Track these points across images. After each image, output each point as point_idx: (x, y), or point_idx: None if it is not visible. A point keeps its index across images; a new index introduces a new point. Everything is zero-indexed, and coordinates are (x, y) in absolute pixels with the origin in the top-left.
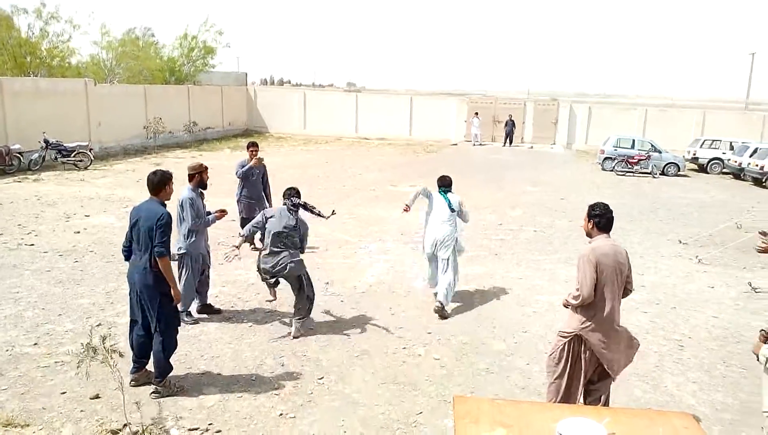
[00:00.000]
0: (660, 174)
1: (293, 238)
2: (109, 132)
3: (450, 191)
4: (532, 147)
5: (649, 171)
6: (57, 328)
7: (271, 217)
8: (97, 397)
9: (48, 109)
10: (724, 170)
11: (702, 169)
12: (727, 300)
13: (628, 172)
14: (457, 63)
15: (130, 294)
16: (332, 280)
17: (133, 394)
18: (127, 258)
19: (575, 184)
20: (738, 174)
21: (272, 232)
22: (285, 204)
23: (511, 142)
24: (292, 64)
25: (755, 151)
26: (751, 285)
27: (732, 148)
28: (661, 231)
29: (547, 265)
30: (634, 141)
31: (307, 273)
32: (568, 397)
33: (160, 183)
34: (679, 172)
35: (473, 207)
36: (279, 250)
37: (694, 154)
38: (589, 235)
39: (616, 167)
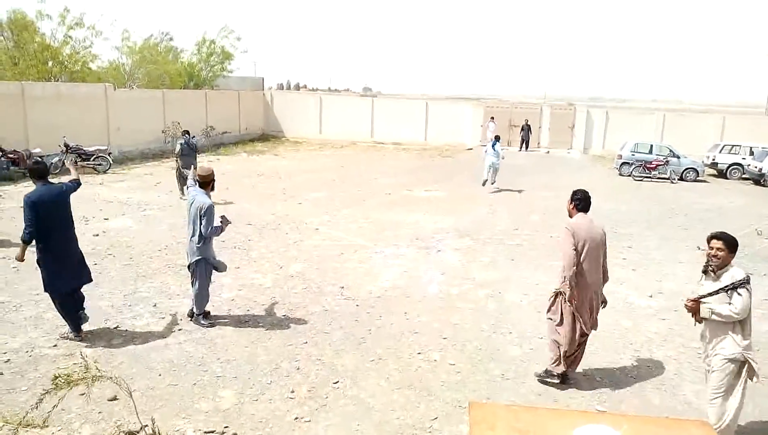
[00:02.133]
0: (678, 179)
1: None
2: (127, 136)
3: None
4: (548, 152)
5: (667, 176)
6: None
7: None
8: (114, 398)
9: (68, 113)
10: (744, 176)
11: (721, 174)
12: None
13: (645, 177)
14: (473, 67)
15: None
16: (347, 284)
17: (148, 397)
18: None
19: (592, 189)
20: (758, 180)
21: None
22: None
23: (527, 147)
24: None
25: None
26: None
27: (752, 153)
28: (680, 237)
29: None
30: (652, 146)
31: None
32: (571, 341)
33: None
34: (697, 178)
35: (488, 212)
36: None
37: (713, 160)
38: (570, 215)
39: (633, 172)
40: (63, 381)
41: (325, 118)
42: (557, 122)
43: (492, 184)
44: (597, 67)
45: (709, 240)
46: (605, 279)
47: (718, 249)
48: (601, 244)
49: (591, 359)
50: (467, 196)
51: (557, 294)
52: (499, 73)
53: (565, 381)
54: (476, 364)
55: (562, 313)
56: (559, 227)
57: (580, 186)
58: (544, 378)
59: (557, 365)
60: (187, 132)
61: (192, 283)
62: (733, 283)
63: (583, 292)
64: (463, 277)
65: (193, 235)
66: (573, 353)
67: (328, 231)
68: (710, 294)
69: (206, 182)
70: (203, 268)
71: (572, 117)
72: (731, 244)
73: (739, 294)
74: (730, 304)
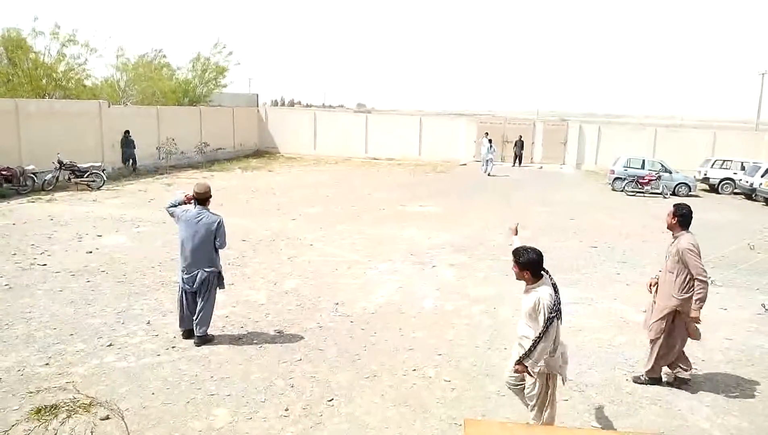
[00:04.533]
0: (671, 194)
1: None
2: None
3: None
4: (541, 167)
5: (659, 191)
6: (68, 348)
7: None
8: (107, 418)
9: (62, 130)
10: (736, 190)
11: (713, 189)
12: (740, 322)
13: (638, 192)
14: (466, 83)
15: None
16: (342, 300)
17: (141, 417)
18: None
19: (585, 204)
20: (750, 194)
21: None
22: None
23: (520, 162)
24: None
25: (767, 171)
26: (764, 307)
27: (743, 168)
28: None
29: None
30: (644, 161)
31: None
32: (668, 355)
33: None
34: (690, 193)
35: (482, 228)
36: None
37: (705, 175)
38: (671, 228)
39: (626, 187)
40: (48, 413)
41: (319, 135)
42: (550, 138)
43: (489, 174)
44: (590, 83)
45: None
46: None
47: (516, 273)
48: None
49: (586, 376)
50: (462, 212)
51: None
52: (492, 89)
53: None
54: (471, 380)
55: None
56: (552, 242)
57: (574, 201)
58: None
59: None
60: (128, 131)
61: (200, 300)
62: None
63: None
64: (458, 293)
65: (199, 252)
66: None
67: (322, 247)
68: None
69: (205, 199)
70: (216, 282)
71: (565, 132)
72: (524, 265)
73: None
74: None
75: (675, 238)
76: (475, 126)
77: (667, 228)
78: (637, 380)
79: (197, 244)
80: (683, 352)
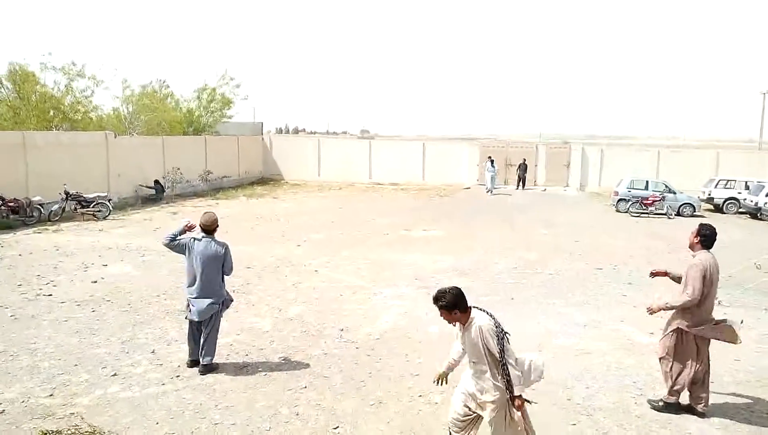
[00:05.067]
0: (675, 215)
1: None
2: (127, 182)
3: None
4: (545, 189)
5: (664, 212)
6: (73, 379)
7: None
8: None
9: (69, 161)
10: (741, 210)
11: (717, 209)
12: (748, 342)
13: (642, 213)
14: (468, 107)
15: None
16: (346, 326)
17: None
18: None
19: (589, 226)
20: (755, 213)
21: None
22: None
23: (524, 185)
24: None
25: None
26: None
27: (747, 187)
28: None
29: (564, 309)
30: (647, 182)
31: None
32: (679, 376)
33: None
34: (694, 213)
35: (487, 250)
36: None
37: (709, 194)
38: (692, 248)
39: (630, 209)
40: None
41: (323, 161)
42: (553, 160)
43: (491, 192)
44: (592, 105)
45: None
46: None
47: (445, 317)
48: (716, 280)
49: (594, 399)
50: (466, 236)
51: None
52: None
53: (678, 411)
54: None
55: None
56: (557, 264)
57: (578, 223)
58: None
59: (669, 395)
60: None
61: (204, 329)
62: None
63: (702, 320)
64: None
65: (208, 282)
66: (683, 386)
67: (327, 273)
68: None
69: (212, 230)
70: (220, 311)
71: (568, 155)
72: (451, 305)
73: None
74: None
75: (693, 256)
76: (478, 150)
77: (689, 247)
78: (653, 405)
79: (206, 274)
80: (704, 381)
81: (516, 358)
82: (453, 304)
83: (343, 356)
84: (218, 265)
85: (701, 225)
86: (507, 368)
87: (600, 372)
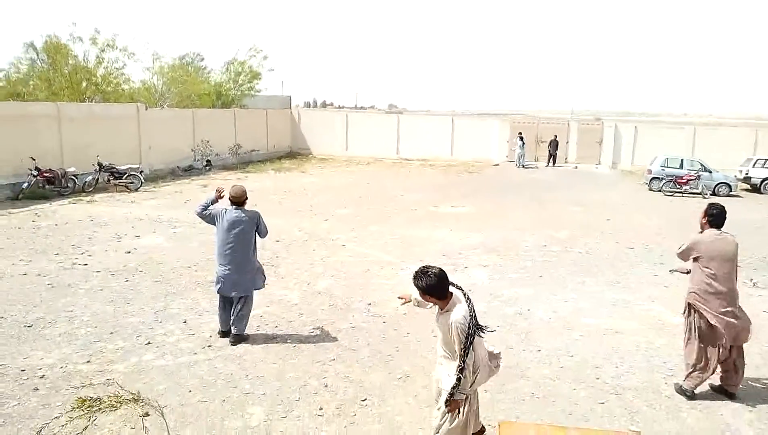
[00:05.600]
0: (711, 194)
1: None
2: (158, 155)
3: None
4: (576, 167)
5: (699, 191)
6: (108, 346)
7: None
8: (146, 414)
9: (101, 133)
10: None
11: (755, 189)
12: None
13: (676, 192)
14: (499, 82)
15: None
16: (374, 301)
17: (178, 414)
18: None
19: (621, 204)
20: None
21: None
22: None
23: (554, 162)
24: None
25: None
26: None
27: None
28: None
29: (594, 288)
30: (682, 160)
31: None
32: (700, 361)
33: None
34: (730, 193)
35: (516, 227)
36: None
37: (747, 174)
38: (702, 228)
39: (663, 187)
40: (91, 405)
41: (351, 136)
42: (585, 137)
43: (520, 166)
44: (625, 81)
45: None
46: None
47: (424, 298)
48: (729, 258)
49: (624, 379)
50: (494, 213)
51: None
52: (525, 88)
53: (694, 397)
54: (505, 382)
55: (688, 325)
56: (587, 243)
57: (610, 202)
58: (677, 391)
59: (686, 379)
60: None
61: (245, 304)
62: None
63: (712, 307)
64: (491, 294)
65: (241, 252)
66: (704, 369)
67: (354, 247)
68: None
69: (242, 202)
70: (253, 287)
71: (600, 132)
72: (424, 289)
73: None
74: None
75: None
76: (508, 126)
77: (700, 228)
78: (677, 388)
79: (237, 246)
80: (734, 366)
81: (486, 354)
82: (426, 288)
83: (370, 330)
84: (250, 236)
85: (709, 204)
86: (460, 378)
87: (629, 352)
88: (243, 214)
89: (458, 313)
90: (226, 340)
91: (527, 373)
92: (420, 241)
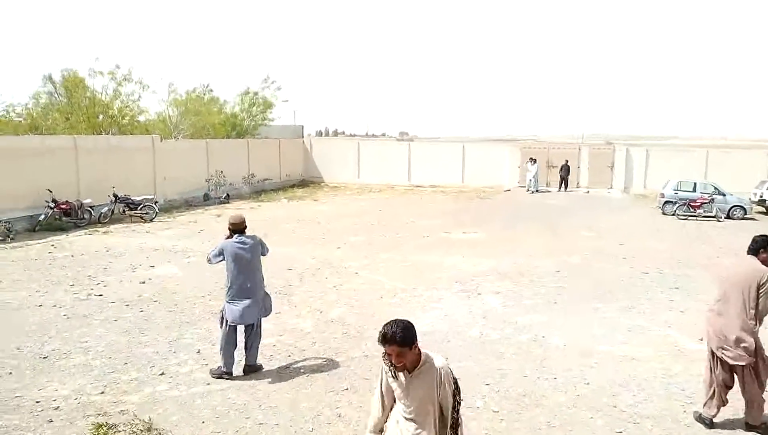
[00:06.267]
0: (725, 217)
1: None
2: (173, 185)
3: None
4: (588, 191)
5: (713, 214)
6: (122, 377)
7: None
8: None
9: (117, 164)
10: None
11: None
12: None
13: (690, 215)
14: (509, 108)
15: None
16: None
17: None
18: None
19: (634, 229)
20: None
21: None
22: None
23: (566, 187)
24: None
25: None
26: None
27: None
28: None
29: (608, 314)
30: (695, 184)
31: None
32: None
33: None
34: (745, 216)
35: (529, 253)
36: None
37: (761, 197)
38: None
39: (677, 211)
40: (107, 432)
41: (362, 163)
42: (596, 161)
43: (531, 191)
44: (636, 105)
45: (381, 343)
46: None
47: (396, 355)
48: (741, 284)
49: (641, 407)
50: (506, 238)
51: None
52: (535, 114)
53: (713, 426)
54: (521, 411)
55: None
56: (601, 268)
57: (622, 226)
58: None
59: (704, 407)
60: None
61: (255, 333)
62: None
63: (716, 331)
64: (505, 321)
65: (253, 278)
66: (712, 396)
67: (367, 275)
68: None
69: (243, 229)
70: (262, 314)
71: (611, 156)
72: (406, 340)
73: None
74: None
75: None
76: (519, 151)
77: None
78: (696, 417)
79: (251, 271)
80: (753, 397)
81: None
82: (412, 338)
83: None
84: (258, 261)
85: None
86: (457, 428)
87: (646, 379)
88: (248, 242)
89: (439, 359)
90: (238, 371)
91: (543, 401)
92: (432, 268)
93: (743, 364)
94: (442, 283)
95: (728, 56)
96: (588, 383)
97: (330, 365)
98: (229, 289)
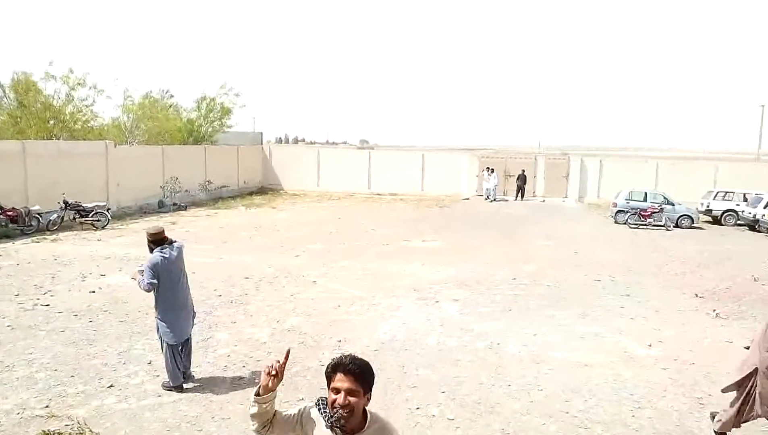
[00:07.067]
0: (674, 226)
1: None
2: (127, 192)
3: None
4: (544, 200)
5: (662, 224)
6: (69, 390)
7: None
8: None
9: (68, 170)
10: (739, 222)
11: (716, 221)
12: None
13: (641, 225)
14: (468, 118)
15: None
16: (345, 337)
17: None
18: None
19: (588, 237)
20: (753, 225)
21: None
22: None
23: (523, 196)
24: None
25: None
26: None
27: (745, 199)
28: (677, 284)
29: (562, 320)
30: (646, 194)
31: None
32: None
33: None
34: (693, 225)
35: (486, 261)
36: None
37: (708, 206)
38: None
39: (629, 220)
40: None
41: (322, 171)
42: (552, 171)
43: (490, 199)
44: (591, 116)
45: (329, 376)
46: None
47: (347, 391)
48: None
49: (592, 412)
50: (465, 246)
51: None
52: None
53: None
54: (476, 418)
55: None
56: (555, 275)
57: (577, 235)
58: None
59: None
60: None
61: (189, 342)
62: None
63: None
64: (462, 329)
65: (186, 289)
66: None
67: (325, 283)
68: None
69: (163, 239)
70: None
71: (566, 166)
72: (365, 375)
73: None
74: None
75: None
76: (477, 161)
77: None
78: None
79: (182, 282)
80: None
81: None
82: (371, 380)
83: None
84: (182, 269)
85: None
86: None
87: (598, 384)
88: (174, 252)
89: (391, 425)
90: (190, 382)
91: (497, 409)
92: (391, 276)
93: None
94: (401, 292)
95: (683, 72)
96: (541, 389)
97: (286, 376)
98: (158, 304)
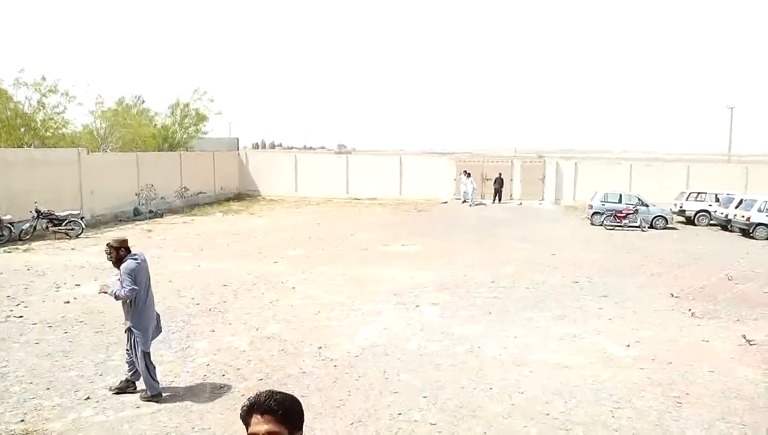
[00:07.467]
0: (649, 227)
1: None
2: (101, 200)
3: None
4: (521, 203)
5: (637, 225)
6: (45, 403)
7: None
8: None
9: (41, 178)
10: (712, 222)
11: (689, 221)
12: (722, 354)
13: (617, 226)
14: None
15: None
16: (325, 344)
17: None
18: None
19: (565, 239)
20: (725, 225)
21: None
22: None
23: (500, 199)
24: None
25: (740, 202)
26: (745, 338)
27: (717, 200)
28: (653, 284)
29: (541, 323)
30: (621, 195)
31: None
32: None
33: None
34: (667, 225)
35: (465, 265)
36: None
37: (681, 207)
38: None
39: (604, 222)
40: None
41: (300, 176)
42: (528, 174)
43: (468, 203)
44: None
45: (245, 419)
46: None
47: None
48: None
49: (572, 414)
50: (444, 250)
51: None
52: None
53: None
54: (457, 422)
55: None
56: (534, 278)
57: (554, 237)
58: None
59: None
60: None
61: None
62: None
63: None
64: (442, 333)
65: (151, 301)
66: None
67: (305, 289)
68: None
69: (128, 248)
70: None
71: (542, 169)
72: (288, 415)
73: None
74: None
75: None
76: (455, 164)
77: None
78: None
79: (149, 286)
80: None
81: None
82: (298, 418)
83: (321, 375)
84: (148, 274)
85: None
86: None
87: (577, 386)
88: (140, 258)
89: None
90: (171, 392)
91: (479, 412)
92: (371, 281)
93: None
94: (381, 296)
95: (654, 74)
96: (522, 392)
97: (266, 384)
98: (134, 311)
